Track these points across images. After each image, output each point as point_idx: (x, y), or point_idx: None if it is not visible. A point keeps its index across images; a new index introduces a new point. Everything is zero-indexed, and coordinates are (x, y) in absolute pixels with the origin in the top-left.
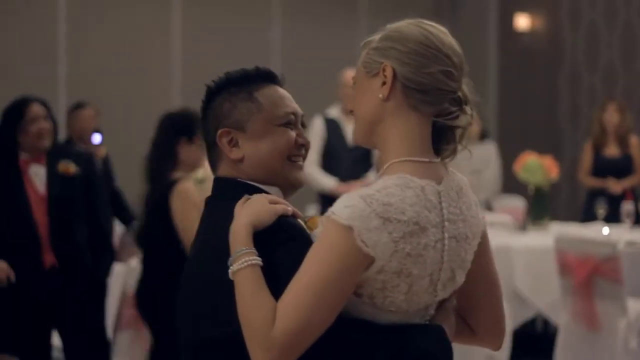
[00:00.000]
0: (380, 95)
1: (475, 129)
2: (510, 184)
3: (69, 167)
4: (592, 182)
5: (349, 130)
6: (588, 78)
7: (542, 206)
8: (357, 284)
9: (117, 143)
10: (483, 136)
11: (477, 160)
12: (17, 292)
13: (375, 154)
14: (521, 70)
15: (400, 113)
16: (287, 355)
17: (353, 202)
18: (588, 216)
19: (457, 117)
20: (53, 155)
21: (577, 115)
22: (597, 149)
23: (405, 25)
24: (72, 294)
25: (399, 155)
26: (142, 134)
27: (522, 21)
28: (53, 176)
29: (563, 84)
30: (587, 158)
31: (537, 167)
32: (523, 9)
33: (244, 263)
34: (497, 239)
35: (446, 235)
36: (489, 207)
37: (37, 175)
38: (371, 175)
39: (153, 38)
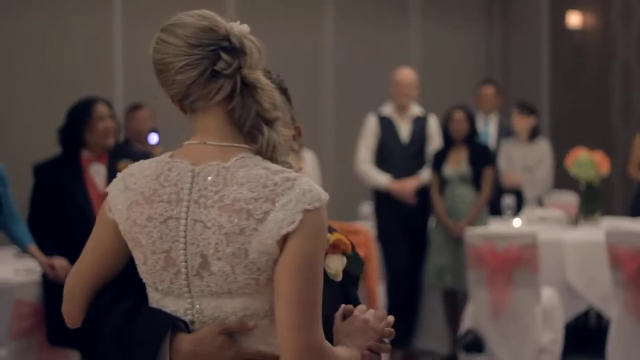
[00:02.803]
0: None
1: (524, 126)
2: (563, 180)
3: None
4: None
5: (403, 127)
6: None
7: (593, 201)
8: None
9: (174, 144)
10: (534, 134)
11: (529, 158)
12: None
13: (429, 151)
14: (573, 67)
15: (191, 119)
16: (66, 299)
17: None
18: (638, 210)
19: (221, 88)
20: (113, 155)
21: (630, 111)
22: None
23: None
24: None
25: None
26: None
27: (574, 18)
28: (113, 175)
29: (615, 81)
30: (637, 151)
31: (588, 162)
32: (574, 6)
33: None
34: (550, 233)
35: (184, 215)
36: (540, 203)
37: (98, 174)
38: (425, 172)
39: None
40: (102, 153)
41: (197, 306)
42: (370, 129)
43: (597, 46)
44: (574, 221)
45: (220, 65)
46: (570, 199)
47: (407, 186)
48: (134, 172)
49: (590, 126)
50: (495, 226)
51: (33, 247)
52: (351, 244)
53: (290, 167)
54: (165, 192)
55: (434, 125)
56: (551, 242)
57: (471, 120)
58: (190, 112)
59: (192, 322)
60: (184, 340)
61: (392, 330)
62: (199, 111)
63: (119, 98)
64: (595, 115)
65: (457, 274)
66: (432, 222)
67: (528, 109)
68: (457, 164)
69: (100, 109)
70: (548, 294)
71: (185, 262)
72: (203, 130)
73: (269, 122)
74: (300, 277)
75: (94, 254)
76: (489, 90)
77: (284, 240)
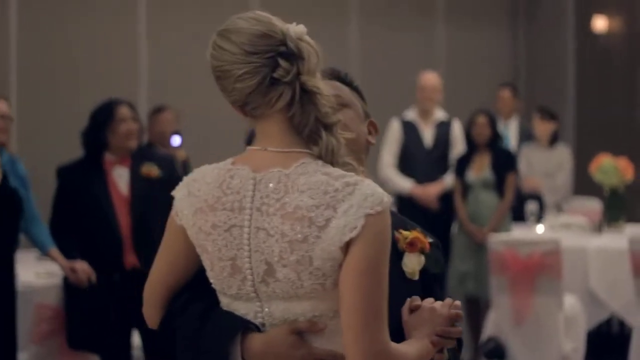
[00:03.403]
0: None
1: (545, 131)
2: (586, 186)
3: (152, 170)
4: None
5: (426, 132)
6: None
7: (617, 208)
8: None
9: (197, 146)
10: (554, 140)
11: (549, 163)
12: (98, 292)
13: (452, 156)
14: (599, 71)
15: (254, 124)
16: (145, 302)
17: None
18: None
19: (281, 96)
20: (136, 158)
21: None
22: None
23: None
24: None
25: None
26: (221, 138)
27: (600, 22)
28: (136, 178)
29: None
30: None
31: (612, 168)
32: (600, 10)
33: None
34: (573, 240)
35: (247, 223)
36: (559, 209)
37: (121, 177)
38: (448, 177)
39: None
40: (125, 156)
41: (267, 309)
42: (394, 133)
43: (623, 50)
44: (598, 228)
45: (279, 73)
46: (593, 205)
47: (430, 191)
48: (197, 178)
49: (616, 131)
50: (518, 232)
51: (54, 250)
52: (431, 242)
53: (353, 169)
54: (228, 200)
55: (457, 130)
56: (574, 249)
57: (493, 124)
58: (251, 118)
59: (263, 324)
60: (256, 340)
61: (460, 312)
62: (260, 118)
63: (143, 100)
64: (620, 120)
65: (479, 280)
66: (454, 228)
67: (549, 114)
68: (480, 170)
69: (123, 111)
70: (570, 301)
71: (251, 269)
72: (264, 137)
73: (328, 127)
74: (364, 282)
75: (166, 259)
76: (505, 94)
77: (347, 245)
